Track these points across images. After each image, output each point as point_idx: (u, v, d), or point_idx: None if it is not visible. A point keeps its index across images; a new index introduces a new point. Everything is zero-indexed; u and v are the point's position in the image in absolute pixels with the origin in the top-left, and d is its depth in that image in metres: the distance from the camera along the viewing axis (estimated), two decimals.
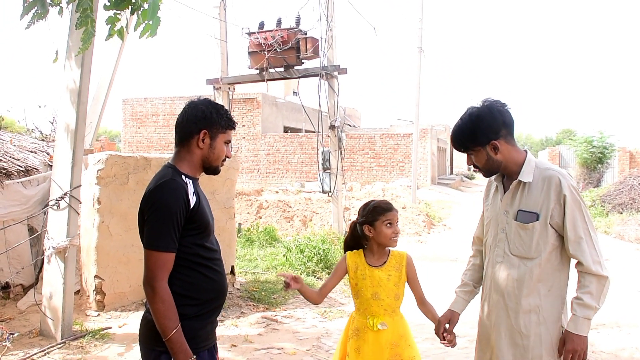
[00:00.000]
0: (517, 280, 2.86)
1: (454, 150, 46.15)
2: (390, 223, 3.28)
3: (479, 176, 45.08)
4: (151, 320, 2.53)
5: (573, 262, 2.87)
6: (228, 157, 2.80)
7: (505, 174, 2.99)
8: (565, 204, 2.75)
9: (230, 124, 2.74)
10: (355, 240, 3.43)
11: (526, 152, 2.95)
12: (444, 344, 3.23)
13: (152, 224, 2.49)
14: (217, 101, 12.22)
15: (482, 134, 2.86)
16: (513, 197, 2.91)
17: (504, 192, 2.98)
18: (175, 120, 2.73)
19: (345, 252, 3.48)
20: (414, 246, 13.70)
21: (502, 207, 2.97)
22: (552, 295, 2.84)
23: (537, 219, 2.80)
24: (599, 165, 26.81)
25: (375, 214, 3.30)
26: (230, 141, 2.78)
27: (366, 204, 3.41)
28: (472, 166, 3.05)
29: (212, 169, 2.77)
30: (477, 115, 2.89)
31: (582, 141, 27.53)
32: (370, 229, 3.31)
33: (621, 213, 17.83)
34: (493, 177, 3.10)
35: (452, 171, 43.76)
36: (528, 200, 2.84)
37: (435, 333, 3.26)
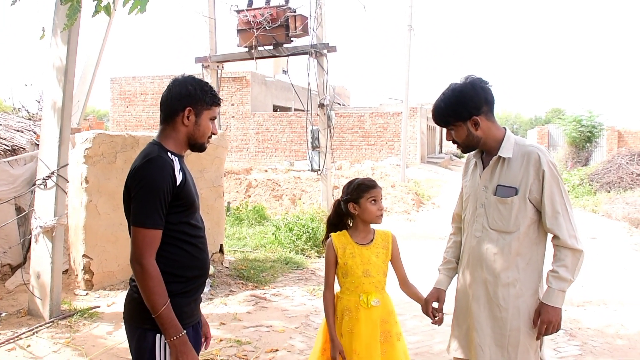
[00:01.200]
0: (496, 254, 2.89)
1: (443, 129, 45.96)
2: (374, 200, 3.28)
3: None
4: (136, 298, 2.53)
5: (549, 236, 2.92)
6: (214, 134, 2.77)
7: (484, 150, 3.02)
8: (544, 180, 2.80)
9: (215, 101, 2.72)
10: (339, 218, 3.43)
11: (505, 129, 2.98)
12: (434, 322, 3.25)
13: (139, 201, 2.48)
14: (206, 80, 12.17)
15: (464, 109, 2.88)
16: (492, 173, 2.94)
17: (483, 168, 3.01)
18: (160, 98, 2.71)
19: (328, 231, 3.47)
20: (403, 224, 13.74)
21: (482, 183, 2.99)
22: (530, 268, 2.90)
23: (516, 194, 2.84)
24: (588, 144, 26.93)
25: (360, 192, 3.29)
26: (215, 118, 2.76)
27: (350, 182, 3.41)
28: (451, 141, 3.05)
29: (197, 146, 2.75)
30: (460, 90, 2.91)
31: (571, 120, 27.61)
32: (355, 207, 3.30)
33: (609, 192, 17.95)
34: (472, 154, 3.13)
35: (441, 150, 43.82)
36: (507, 176, 2.88)
37: (424, 312, 3.27)
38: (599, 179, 19.30)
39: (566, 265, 2.78)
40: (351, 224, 3.41)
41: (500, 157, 2.90)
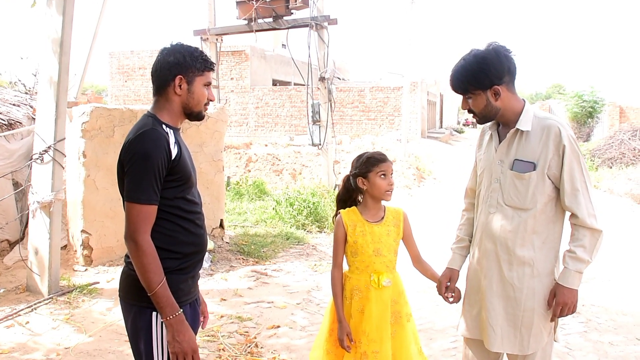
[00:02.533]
0: (511, 231, 2.77)
1: (444, 104, 45.94)
2: (384, 174, 3.13)
3: (468, 130, 45.00)
4: (132, 275, 2.44)
5: (567, 215, 2.79)
6: (211, 100, 2.66)
7: (501, 122, 2.87)
8: (564, 155, 2.66)
9: (207, 65, 2.59)
10: (348, 194, 3.29)
11: (524, 100, 2.82)
12: (448, 302, 3.15)
13: (133, 176, 2.38)
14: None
15: (485, 77, 2.72)
16: (509, 146, 2.80)
17: (500, 142, 2.86)
18: (151, 70, 2.60)
19: (337, 208, 3.34)
20: (405, 199, 13.69)
21: (497, 157, 2.85)
22: (546, 247, 2.77)
23: (534, 169, 2.70)
24: (589, 120, 26.77)
25: (369, 165, 3.15)
26: (210, 83, 2.63)
27: (359, 156, 3.26)
28: (467, 110, 2.89)
29: (194, 115, 2.64)
30: (482, 57, 2.74)
31: (573, 95, 27.43)
32: (364, 182, 3.17)
33: (611, 167, 17.87)
34: (487, 126, 2.99)
35: (441, 125, 43.60)
36: (525, 150, 2.73)
37: (438, 292, 3.17)
38: (600, 155, 19.20)
39: (584, 245, 2.67)
40: (361, 201, 3.28)
41: (518, 130, 2.75)
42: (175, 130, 2.56)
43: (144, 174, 2.36)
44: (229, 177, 13.85)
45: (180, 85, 2.54)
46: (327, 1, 11.18)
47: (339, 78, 33.92)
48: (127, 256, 2.50)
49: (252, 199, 12.15)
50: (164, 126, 2.49)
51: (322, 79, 11.33)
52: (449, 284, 3.13)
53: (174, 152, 2.45)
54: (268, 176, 16.34)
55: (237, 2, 11.49)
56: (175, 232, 2.50)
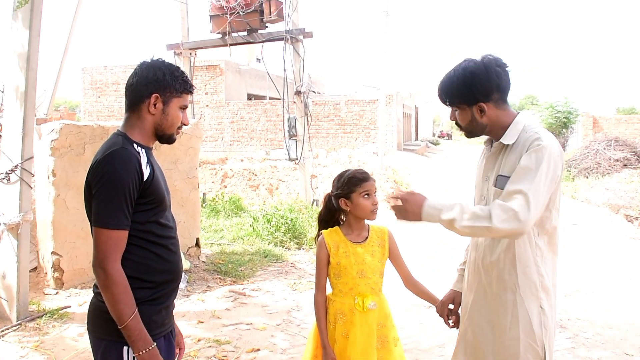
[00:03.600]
0: (494, 253, 2.60)
1: (419, 117, 46.01)
2: (367, 194, 2.98)
3: (443, 142, 45.12)
4: (100, 306, 2.25)
5: (558, 235, 2.60)
6: (185, 125, 2.49)
7: (491, 136, 2.71)
8: (523, 158, 2.43)
9: (186, 88, 2.43)
10: (330, 214, 3.13)
11: (517, 114, 2.64)
12: (448, 325, 2.99)
13: (102, 199, 2.20)
14: None
15: (471, 93, 2.56)
16: (495, 161, 2.64)
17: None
18: (126, 83, 2.42)
19: (319, 229, 3.17)
20: (384, 212, 13.54)
21: (484, 172, 2.71)
22: (531, 271, 2.55)
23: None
24: (564, 130, 26.98)
25: (352, 185, 2.99)
26: (186, 107, 2.47)
27: (340, 175, 3.10)
28: (454, 122, 2.73)
29: (165, 138, 2.46)
30: (471, 71, 2.57)
31: (547, 106, 27.65)
32: (347, 203, 3.01)
33: (587, 177, 17.95)
34: (484, 140, 2.81)
35: (417, 137, 43.73)
36: (507, 164, 2.54)
37: (439, 314, 3.01)
38: (576, 165, 19.31)
39: (471, 214, 2.41)
40: (344, 220, 3.12)
41: (502, 143, 2.59)
42: (148, 150, 2.39)
43: (113, 196, 2.19)
44: (204, 194, 13.62)
45: (155, 104, 2.37)
46: (302, 14, 11.09)
47: (314, 92, 33.87)
48: (95, 286, 2.32)
49: (229, 215, 11.94)
50: (135, 145, 2.33)
51: (298, 92, 11.21)
52: (451, 306, 2.97)
53: (146, 172, 2.28)
54: (244, 192, 16.13)
55: (210, 16, 11.34)
56: (148, 260, 2.32)
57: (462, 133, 2.77)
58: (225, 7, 10.92)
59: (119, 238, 2.21)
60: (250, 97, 31.74)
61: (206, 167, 17.96)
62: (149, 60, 2.42)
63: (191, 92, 2.48)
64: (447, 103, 2.69)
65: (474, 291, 2.73)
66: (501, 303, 2.58)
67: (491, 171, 2.65)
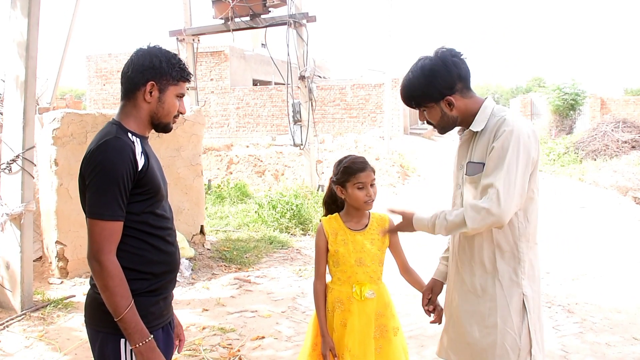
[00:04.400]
0: (469, 240, 2.56)
1: None
2: (362, 185, 2.90)
3: None
4: (97, 298, 2.22)
5: (538, 217, 2.55)
6: (181, 113, 2.43)
7: (463, 126, 2.66)
8: (493, 148, 2.39)
9: (183, 75, 2.37)
10: (333, 198, 3.08)
11: (484, 99, 2.59)
12: (429, 316, 2.96)
13: (96, 190, 2.16)
14: (181, 54, 11.74)
15: (435, 89, 2.51)
16: (466, 150, 2.59)
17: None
18: (122, 70, 2.36)
19: (325, 211, 3.13)
20: (389, 198, 13.51)
21: (458, 161, 2.67)
22: (509, 257, 2.50)
23: (483, 170, 2.46)
24: (571, 112, 26.73)
25: (346, 175, 2.92)
26: (183, 95, 2.41)
27: (340, 161, 3.03)
28: (425, 122, 2.68)
29: (161, 126, 2.41)
30: (429, 68, 2.51)
31: (554, 88, 27.38)
32: (342, 191, 2.95)
33: (595, 160, 17.83)
34: (458, 129, 2.75)
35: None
36: (477, 150, 2.50)
37: (421, 304, 2.97)
38: (584, 147, 19.17)
39: (448, 221, 2.45)
40: (344, 206, 3.07)
41: (471, 131, 2.54)
42: (143, 139, 2.34)
43: (107, 187, 2.15)
44: (209, 180, 13.60)
45: (151, 92, 2.32)
46: None
47: (319, 76, 33.73)
48: (92, 278, 2.28)
49: (234, 202, 11.91)
50: (129, 134, 2.28)
51: (302, 77, 11.13)
52: (431, 295, 2.93)
53: (141, 162, 2.23)
54: (250, 178, 16.09)
55: (212, 2, 11.23)
56: (144, 251, 2.28)
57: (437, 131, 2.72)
58: None
59: (114, 229, 2.17)
60: (255, 82, 31.63)
61: (211, 153, 17.93)
62: (145, 47, 2.36)
63: (188, 80, 2.42)
64: (414, 105, 2.63)
65: (453, 280, 2.70)
66: (481, 290, 2.54)
67: (464, 159, 2.61)
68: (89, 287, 2.37)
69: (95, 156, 2.17)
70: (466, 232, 2.42)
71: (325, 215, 3.12)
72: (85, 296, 2.39)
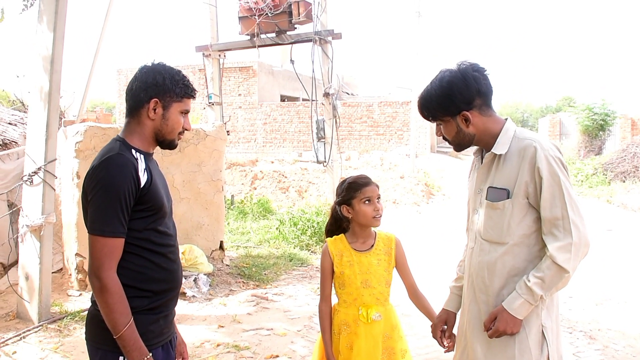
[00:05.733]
0: (488, 269, 2.47)
1: None
2: (369, 200, 2.88)
3: None
4: (97, 314, 2.21)
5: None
6: (186, 130, 2.43)
7: (482, 147, 2.59)
8: (542, 179, 2.32)
9: (187, 92, 2.37)
10: (337, 223, 3.04)
11: (505, 120, 2.53)
12: (443, 347, 2.85)
13: (97, 206, 2.15)
14: (207, 69, 11.81)
15: (452, 103, 2.46)
16: (487, 173, 2.52)
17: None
18: (126, 88, 2.37)
19: (326, 238, 3.10)
20: (413, 217, 13.40)
21: (476, 185, 2.59)
22: None
23: (508, 197, 2.40)
24: (601, 133, 26.31)
25: (351, 191, 2.90)
26: (188, 111, 2.41)
27: (342, 182, 3.02)
28: (441, 137, 2.63)
29: (166, 143, 2.41)
30: (448, 81, 2.47)
31: (584, 108, 27.00)
32: (348, 210, 2.92)
33: (624, 181, 17.52)
34: (474, 150, 2.70)
35: None
36: (500, 176, 2.44)
37: (433, 336, 2.88)
38: (613, 168, 18.85)
39: (544, 279, 2.31)
40: (348, 229, 3.02)
41: (494, 154, 2.47)
42: (147, 156, 2.34)
43: (108, 203, 2.14)
44: (232, 196, 13.63)
45: (154, 109, 2.32)
46: (331, 15, 10.97)
47: (347, 93, 33.81)
48: (93, 294, 2.27)
49: (257, 217, 11.91)
50: (133, 151, 2.28)
51: (326, 94, 11.11)
52: (445, 327, 2.84)
53: (143, 179, 2.22)
54: (274, 194, 16.10)
55: (239, 18, 11.30)
56: (145, 268, 2.26)
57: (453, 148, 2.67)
58: (254, 8, 10.85)
59: (115, 246, 2.16)
60: (283, 98, 31.78)
61: (236, 169, 18.00)
62: (149, 64, 2.36)
63: (193, 97, 2.42)
64: (430, 118, 2.59)
65: (468, 309, 2.61)
66: None
67: (484, 183, 2.54)
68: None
69: (97, 172, 2.17)
70: (568, 278, 2.32)
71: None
72: (87, 313, 2.38)
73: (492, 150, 2.48)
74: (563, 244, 2.29)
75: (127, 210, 2.18)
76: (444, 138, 2.62)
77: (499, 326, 2.38)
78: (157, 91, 2.31)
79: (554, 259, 2.29)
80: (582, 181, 19.07)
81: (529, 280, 2.34)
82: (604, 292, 7.03)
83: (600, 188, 17.38)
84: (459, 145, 2.58)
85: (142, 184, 2.22)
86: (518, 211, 2.39)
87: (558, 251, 2.29)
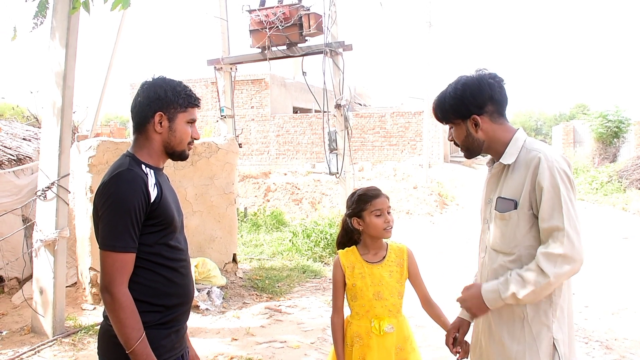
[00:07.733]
0: (496, 277, 2.45)
1: None
2: (379, 212, 2.88)
3: None
4: (109, 330, 2.22)
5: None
6: (195, 139, 2.45)
7: (491, 155, 2.60)
8: (543, 189, 2.30)
9: (190, 102, 2.39)
10: (348, 235, 3.04)
11: (517, 130, 2.53)
12: (454, 356, 2.82)
13: (108, 221, 2.17)
14: (219, 82, 11.87)
15: (464, 105, 2.47)
16: (496, 183, 2.52)
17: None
18: (130, 105, 2.40)
19: (338, 250, 3.10)
20: (427, 227, 13.34)
21: (486, 195, 2.60)
22: (540, 302, 2.38)
23: (516, 207, 2.38)
24: (615, 140, 26.12)
25: (361, 204, 2.91)
26: (194, 120, 2.44)
27: (352, 194, 3.04)
28: (452, 141, 2.64)
29: (177, 154, 2.43)
30: (463, 84, 2.49)
31: (597, 116, 26.82)
32: (359, 222, 2.93)
33: (639, 189, 17.36)
34: (487, 161, 2.69)
35: None
36: (508, 186, 2.43)
37: (445, 343, 2.85)
38: (628, 176, 18.70)
39: (523, 277, 2.29)
40: (360, 241, 3.02)
41: (502, 164, 2.48)
42: (157, 171, 2.36)
43: (119, 219, 2.15)
44: (245, 208, 13.64)
45: (160, 123, 2.34)
46: (341, 27, 11.01)
47: (360, 104, 33.85)
48: (105, 309, 2.28)
49: (270, 230, 11.92)
50: (143, 166, 2.29)
51: (337, 106, 11.12)
52: (457, 335, 2.81)
53: (154, 194, 2.24)
54: (287, 206, 16.10)
55: (250, 31, 11.36)
56: (156, 283, 2.27)
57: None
58: (265, 21, 10.91)
59: (126, 261, 2.17)
60: (295, 110, 31.85)
61: (249, 181, 18.03)
62: (149, 79, 2.39)
63: (197, 105, 2.44)
64: (443, 120, 2.61)
65: (482, 321, 2.59)
66: (508, 334, 2.44)
67: (493, 193, 2.54)
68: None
69: (108, 188, 2.19)
70: (549, 287, 2.28)
71: None
72: (99, 329, 2.39)
73: (500, 160, 2.48)
74: (552, 252, 2.26)
75: (137, 225, 2.19)
76: (455, 143, 2.63)
77: (467, 299, 2.47)
78: (161, 104, 2.34)
79: (538, 262, 2.28)
80: (597, 189, 18.93)
81: (510, 275, 2.35)
82: (620, 301, 6.95)
83: (615, 196, 17.23)
84: (468, 150, 2.60)
85: (153, 198, 2.23)
86: (524, 222, 2.38)
87: (545, 256, 2.27)
